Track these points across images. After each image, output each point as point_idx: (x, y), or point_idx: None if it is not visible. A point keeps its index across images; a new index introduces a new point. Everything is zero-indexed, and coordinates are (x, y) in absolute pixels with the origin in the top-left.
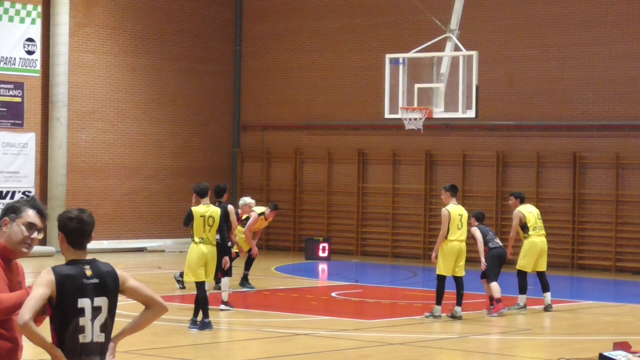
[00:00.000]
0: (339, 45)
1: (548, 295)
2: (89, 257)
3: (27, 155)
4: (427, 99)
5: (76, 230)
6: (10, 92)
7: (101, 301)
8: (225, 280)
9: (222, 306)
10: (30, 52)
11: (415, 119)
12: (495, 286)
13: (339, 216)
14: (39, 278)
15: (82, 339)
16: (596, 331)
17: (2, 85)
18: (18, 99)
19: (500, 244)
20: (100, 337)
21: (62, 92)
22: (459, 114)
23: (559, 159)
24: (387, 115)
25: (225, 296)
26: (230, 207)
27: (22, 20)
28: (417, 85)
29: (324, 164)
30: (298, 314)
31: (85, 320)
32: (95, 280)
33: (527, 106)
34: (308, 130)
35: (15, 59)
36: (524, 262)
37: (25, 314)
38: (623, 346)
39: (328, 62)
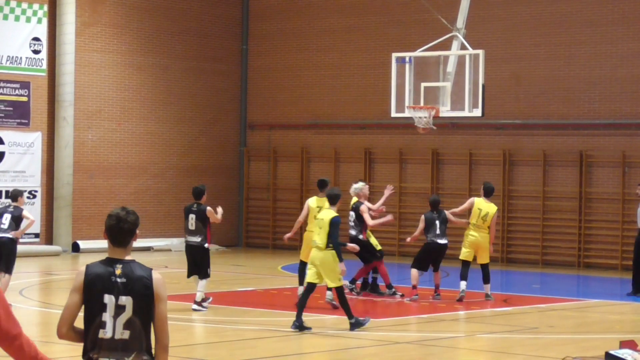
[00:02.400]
0: (345, 44)
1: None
2: (130, 258)
3: (34, 155)
4: (433, 98)
5: (113, 228)
6: (17, 92)
7: (126, 300)
8: (203, 282)
9: (195, 306)
10: (36, 52)
11: (422, 117)
12: (413, 272)
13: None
14: (74, 281)
15: (102, 334)
16: (603, 330)
17: (9, 85)
18: (24, 99)
19: (439, 240)
20: (123, 335)
21: (69, 92)
22: (465, 113)
23: (565, 158)
24: (393, 114)
25: (198, 296)
26: (209, 209)
27: (28, 20)
28: (423, 84)
29: (330, 163)
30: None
31: (107, 317)
32: (123, 280)
33: (533, 105)
34: (315, 129)
35: (21, 58)
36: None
37: (61, 327)
38: (629, 345)
39: (335, 61)
